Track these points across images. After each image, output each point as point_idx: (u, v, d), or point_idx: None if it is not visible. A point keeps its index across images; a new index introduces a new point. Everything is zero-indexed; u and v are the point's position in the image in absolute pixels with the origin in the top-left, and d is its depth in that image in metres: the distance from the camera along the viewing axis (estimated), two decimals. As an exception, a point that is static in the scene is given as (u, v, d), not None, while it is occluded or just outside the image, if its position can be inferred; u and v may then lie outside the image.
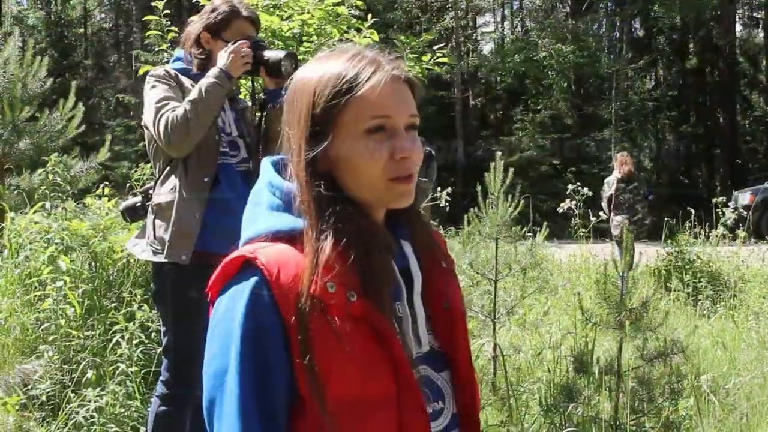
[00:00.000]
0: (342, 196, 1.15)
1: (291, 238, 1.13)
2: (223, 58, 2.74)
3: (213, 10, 2.85)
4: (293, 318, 1.07)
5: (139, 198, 3.00)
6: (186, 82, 2.83)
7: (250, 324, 1.08)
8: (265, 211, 1.18)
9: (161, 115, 2.65)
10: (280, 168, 1.22)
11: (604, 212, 9.27)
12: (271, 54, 2.77)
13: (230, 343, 1.08)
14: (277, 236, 1.14)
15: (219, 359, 1.09)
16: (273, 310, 1.08)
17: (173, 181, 2.76)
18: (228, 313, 1.10)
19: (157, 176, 2.86)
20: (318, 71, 1.18)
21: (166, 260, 2.71)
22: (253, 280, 1.09)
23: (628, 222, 8.54)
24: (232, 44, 2.74)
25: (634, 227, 8.67)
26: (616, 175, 9.24)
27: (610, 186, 9.26)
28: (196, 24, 2.90)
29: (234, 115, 2.90)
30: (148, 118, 2.73)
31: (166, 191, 2.77)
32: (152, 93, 2.74)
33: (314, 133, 1.15)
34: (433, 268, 1.25)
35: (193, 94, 2.67)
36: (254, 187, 1.23)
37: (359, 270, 1.11)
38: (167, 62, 3.09)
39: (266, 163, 1.25)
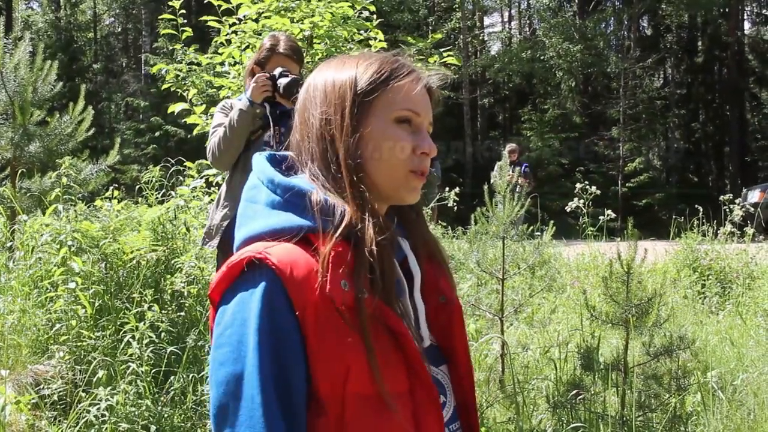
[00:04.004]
0: (366, 189, 1.16)
1: (295, 236, 1.11)
2: (248, 88, 3.34)
3: (261, 48, 3.50)
4: (308, 318, 1.05)
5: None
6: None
7: (266, 327, 1.04)
8: (263, 209, 1.15)
9: (209, 140, 3.38)
10: (275, 165, 1.22)
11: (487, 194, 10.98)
12: (282, 81, 3.30)
13: (244, 349, 1.05)
14: (283, 234, 1.11)
15: (230, 365, 1.05)
16: (288, 310, 1.05)
17: (223, 186, 3.47)
18: (237, 316, 1.06)
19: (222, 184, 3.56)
20: (354, 64, 1.22)
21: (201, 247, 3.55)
22: (265, 280, 1.06)
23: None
24: (256, 76, 3.34)
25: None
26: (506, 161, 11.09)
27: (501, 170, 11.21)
28: (251, 59, 3.54)
29: (283, 130, 3.38)
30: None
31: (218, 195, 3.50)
32: (213, 121, 3.45)
33: (354, 120, 1.18)
34: (426, 262, 1.27)
35: (227, 122, 3.32)
36: (248, 183, 1.21)
37: (367, 267, 1.11)
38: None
39: (261, 159, 1.22)
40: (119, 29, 35.73)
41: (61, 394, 3.73)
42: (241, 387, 1.04)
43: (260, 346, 1.03)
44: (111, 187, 6.51)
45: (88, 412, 3.47)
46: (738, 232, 8.29)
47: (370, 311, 1.09)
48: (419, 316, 1.21)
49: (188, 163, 5.79)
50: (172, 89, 5.14)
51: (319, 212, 1.11)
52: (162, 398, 3.76)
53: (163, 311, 4.22)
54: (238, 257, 1.09)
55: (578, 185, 9.64)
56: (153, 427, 3.48)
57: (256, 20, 4.93)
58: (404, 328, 1.12)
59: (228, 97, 4.06)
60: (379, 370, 1.07)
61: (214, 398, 1.07)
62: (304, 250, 1.10)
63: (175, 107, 4.96)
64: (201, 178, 5.49)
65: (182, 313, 4.45)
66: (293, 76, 3.35)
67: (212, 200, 5.04)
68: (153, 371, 3.86)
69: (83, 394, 3.63)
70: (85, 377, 3.79)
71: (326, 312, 1.06)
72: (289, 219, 1.12)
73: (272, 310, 1.05)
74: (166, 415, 3.62)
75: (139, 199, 6.11)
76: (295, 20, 4.89)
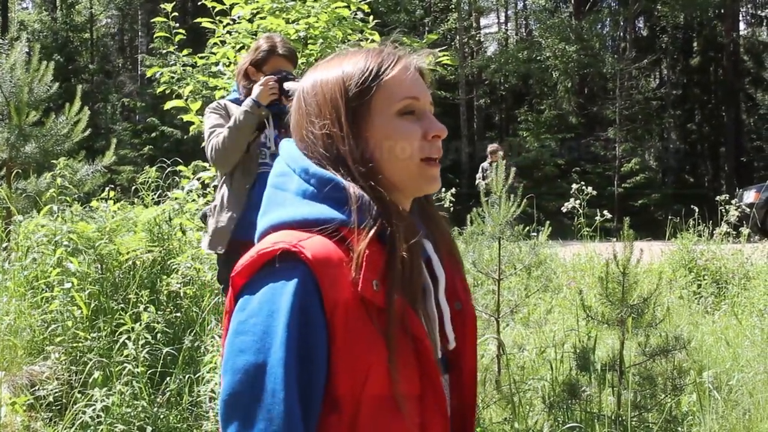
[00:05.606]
0: (383, 190, 1.14)
1: (328, 229, 1.09)
2: (255, 89, 3.31)
3: (257, 48, 3.46)
4: (338, 316, 1.04)
5: (212, 206, 3.65)
6: (234, 109, 3.40)
7: (296, 322, 1.02)
8: (293, 198, 1.13)
9: (209, 141, 3.31)
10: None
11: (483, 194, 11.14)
12: (291, 85, 3.23)
13: (270, 340, 1.02)
14: (315, 226, 1.09)
15: (252, 355, 1.03)
16: (319, 307, 1.03)
17: (224, 188, 3.38)
18: (265, 306, 1.04)
19: (218, 185, 3.48)
20: (339, 66, 1.19)
21: (209, 251, 3.37)
22: (298, 274, 1.04)
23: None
24: (263, 78, 3.32)
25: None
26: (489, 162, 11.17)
27: (484, 171, 10.90)
28: (244, 60, 3.53)
29: (276, 132, 3.37)
30: (205, 142, 3.38)
31: (218, 197, 3.41)
32: (207, 122, 3.41)
33: (354, 120, 1.16)
34: (446, 259, 1.25)
35: (231, 122, 3.28)
36: (275, 169, 1.19)
37: (399, 269, 1.09)
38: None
39: (292, 146, 1.21)
40: (115, 30, 35.70)
41: (56, 395, 3.72)
42: (262, 379, 1.01)
43: (288, 341, 1.01)
44: (107, 188, 6.50)
45: (84, 413, 3.47)
46: (734, 232, 8.32)
47: (397, 313, 1.07)
48: (444, 318, 1.19)
49: (181, 167, 5.78)
50: (167, 91, 5.14)
51: (357, 208, 1.09)
52: (158, 399, 3.76)
53: (159, 312, 4.21)
54: (271, 246, 1.06)
55: (574, 186, 9.65)
56: (149, 428, 3.48)
57: (251, 21, 4.93)
58: (424, 334, 1.11)
59: (223, 97, 4.04)
60: (397, 372, 1.06)
61: (228, 384, 1.04)
62: (336, 245, 1.08)
63: (171, 104, 4.96)
64: (196, 179, 5.48)
65: (178, 314, 4.45)
66: (299, 80, 3.37)
67: (208, 202, 5.03)
68: (149, 372, 3.86)
69: (79, 395, 3.63)
70: (80, 378, 3.78)
71: (356, 312, 1.05)
72: (323, 211, 1.10)
73: (303, 306, 1.03)
74: (161, 416, 3.62)
75: (135, 200, 6.10)
76: (290, 21, 4.90)
